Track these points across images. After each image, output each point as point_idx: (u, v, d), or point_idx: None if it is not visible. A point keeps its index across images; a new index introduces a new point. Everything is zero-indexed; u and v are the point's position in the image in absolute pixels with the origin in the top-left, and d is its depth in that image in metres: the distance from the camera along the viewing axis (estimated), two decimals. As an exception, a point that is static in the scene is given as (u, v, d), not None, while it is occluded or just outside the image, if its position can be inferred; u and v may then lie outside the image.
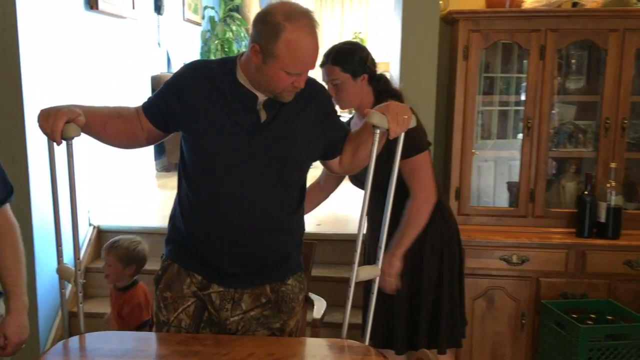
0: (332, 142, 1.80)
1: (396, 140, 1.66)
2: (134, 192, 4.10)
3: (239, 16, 7.65)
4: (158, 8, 5.56)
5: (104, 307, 3.41)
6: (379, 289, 2.20)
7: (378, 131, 1.61)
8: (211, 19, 7.49)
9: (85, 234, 3.51)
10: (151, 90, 5.35)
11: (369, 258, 2.40)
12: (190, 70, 1.76)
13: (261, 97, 1.69)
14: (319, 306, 2.36)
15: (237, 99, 1.69)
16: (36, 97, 2.88)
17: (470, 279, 2.88)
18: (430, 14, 2.75)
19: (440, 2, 3.05)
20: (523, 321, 2.90)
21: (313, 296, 2.42)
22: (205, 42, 7.30)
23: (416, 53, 2.81)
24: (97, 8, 3.45)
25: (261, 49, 1.60)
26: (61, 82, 3.20)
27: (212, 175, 1.72)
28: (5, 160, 2.87)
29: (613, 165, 2.85)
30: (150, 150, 4.75)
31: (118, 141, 1.80)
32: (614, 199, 2.85)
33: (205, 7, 7.32)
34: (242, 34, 7.50)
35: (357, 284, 1.72)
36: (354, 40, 7.92)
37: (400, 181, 2.23)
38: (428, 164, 2.23)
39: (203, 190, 1.74)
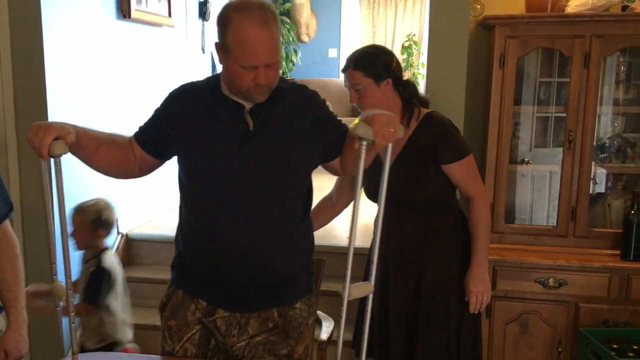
0: (329, 144, 1.70)
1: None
2: (164, 200, 4.09)
3: (288, 20, 7.60)
4: (203, 14, 5.58)
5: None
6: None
7: (365, 143, 1.52)
8: (260, 23, 7.49)
9: (113, 242, 3.51)
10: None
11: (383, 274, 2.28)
12: (178, 95, 1.73)
13: (248, 106, 1.64)
14: (327, 326, 2.26)
15: (224, 112, 1.64)
16: (61, 110, 2.89)
17: (502, 302, 2.72)
18: (459, 18, 2.58)
19: (477, 6, 2.88)
20: (559, 349, 2.70)
21: (321, 315, 2.32)
22: (254, 47, 7.30)
23: (445, 60, 2.64)
24: (129, 17, 3.44)
25: (220, 46, 1.57)
26: (91, 93, 3.20)
27: (208, 192, 1.67)
28: (31, 170, 2.92)
29: (664, 183, 2.62)
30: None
31: (110, 168, 1.74)
32: (664, 220, 2.61)
33: (255, 12, 7.32)
34: (291, 38, 7.45)
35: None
36: (406, 44, 7.76)
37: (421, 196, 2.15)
38: (475, 165, 2.18)
39: (202, 209, 1.70)
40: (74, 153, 1.62)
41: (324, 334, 2.25)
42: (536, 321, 2.71)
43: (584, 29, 2.64)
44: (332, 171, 1.81)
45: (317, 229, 2.32)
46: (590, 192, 2.85)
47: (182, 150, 1.69)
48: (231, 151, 1.62)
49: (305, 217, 1.75)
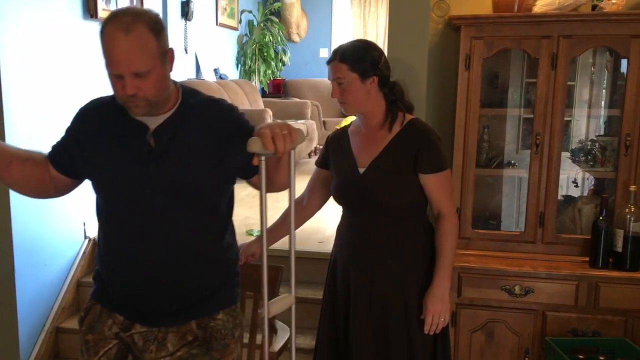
0: (245, 161, 1.59)
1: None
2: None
3: (276, 19, 7.54)
4: (185, 14, 5.53)
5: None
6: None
7: (263, 158, 1.45)
8: (249, 23, 7.42)
9: (80, 246, 3.46)
10: (174, 97, 5.31)
11: (355, 285, 2.15)
12: (85, 112, 1.69)
13: (152, 125, 1.58)
14: (281, 336, 2.19)
15: (128, 131, 1.59)
16: (20, 114, 2.84)
17: (468, 309, 2.65)
18: (419, 17, 2.50)
19: (442, 5, 2.81)
20: (526, 358, 2.62)
21: (279, 324, 2.26)
22: (242, 47, 7.23)
23: (405, 61, 2.56)
24: (96, 17, 3.38)
25: None
26: (54, 97, 3.13)
27: (118, 213, 1.64)
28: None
29: (633, 188, 2.53)
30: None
31: (22, 185, 1.69)
32: (633, 226, 2.53)
33: (243, 12, 7.25)
34: (279, 38, 7.39)
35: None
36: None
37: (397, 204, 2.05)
38: (451, 181, 2.12)
39: (113, 230, 1.66)
40: None
41: (278, 344, 2.19)
42: (502, 330, 2.63)
43: (550, 30, 2.56)
44: (255, 187, 1.71)
45: (287, 235, 2.25)
46: (572, 194, 2.79)
47: (88, 171, 1.65)
48: (135, 173, 1.57)
49: (224, 233, 1.70)
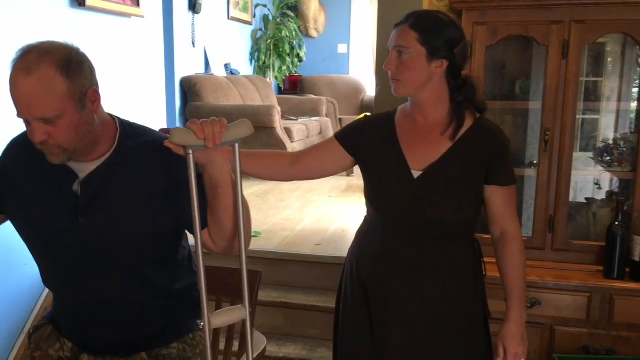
0: (189, 213, 1.35)
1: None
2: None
3: (292, 14, 7.35)
4: (193, 6, 5.38)
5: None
6: None
7: (191, 152, 1.27)
8: (264, 17, 7.26)
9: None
10: (180, 93, 5.17)
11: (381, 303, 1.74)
12: (13, 147, 1.51)
13: (82, 173, 1.40)
14: (255, 347, 2.01)
15: (57, 176, 1.41)
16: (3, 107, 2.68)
17: (467, 322, 2.41)
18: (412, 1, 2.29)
19: (443, -12, 2.58)
20: (532, 377, 2.38)
21: (255, 333, 2.07)
22: (256, 42, 7.07)
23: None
24: (84, 5, 3.23)
25: None
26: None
27: (52, 264, 1.50)
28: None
29: (653, 190, 2.28)
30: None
31: None
32: (653, 233, 2.28)
33: (257, 5, 7.08)
34: (294, 33, 7.20)
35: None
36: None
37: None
38: None
39: (49, 274, 1.53)
40: None
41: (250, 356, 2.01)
42: (505, 345, 2.40)
43: (561, 14, 2.32)
44: (205, 246, 1.46)
45: (255, 174, 1.82)
46: (596, 197, 2.56)
47: (12, 213, 1.48)
48: (63, 224, 1.41)
49: (174, 280, 1.54)
